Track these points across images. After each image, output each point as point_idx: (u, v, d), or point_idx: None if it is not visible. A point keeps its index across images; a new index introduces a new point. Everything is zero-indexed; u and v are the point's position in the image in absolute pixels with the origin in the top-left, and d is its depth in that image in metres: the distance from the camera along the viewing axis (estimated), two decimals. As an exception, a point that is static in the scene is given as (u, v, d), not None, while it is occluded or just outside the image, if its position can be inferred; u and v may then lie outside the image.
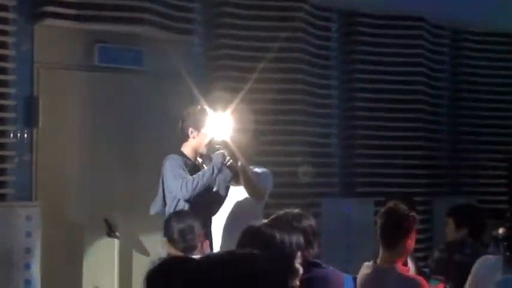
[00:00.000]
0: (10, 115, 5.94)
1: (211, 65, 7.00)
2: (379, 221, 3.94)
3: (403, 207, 4.08)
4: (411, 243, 3.91)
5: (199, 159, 5.14)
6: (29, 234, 5.76)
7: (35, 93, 6.06)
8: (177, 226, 4.27)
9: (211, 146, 5.05)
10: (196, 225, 4.31)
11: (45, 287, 5.78)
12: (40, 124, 6.05)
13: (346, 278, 4.48)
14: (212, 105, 5.21)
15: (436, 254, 4.83)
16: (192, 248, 4.20)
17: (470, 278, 3.82)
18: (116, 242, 6.20)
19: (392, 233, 3.86)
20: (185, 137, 5.06)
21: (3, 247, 5.67)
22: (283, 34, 6.98)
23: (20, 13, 6.00)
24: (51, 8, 5.96)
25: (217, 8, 6.99)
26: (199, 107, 5.13)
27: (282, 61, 7.04)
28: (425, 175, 7.95)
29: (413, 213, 4.02)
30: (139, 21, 6.20)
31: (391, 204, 4.02)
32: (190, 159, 5.04)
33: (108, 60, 6.27)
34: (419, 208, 7.14)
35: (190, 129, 5.03)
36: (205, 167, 5.02)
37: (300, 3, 7.24)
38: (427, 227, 7.76)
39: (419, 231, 6.46)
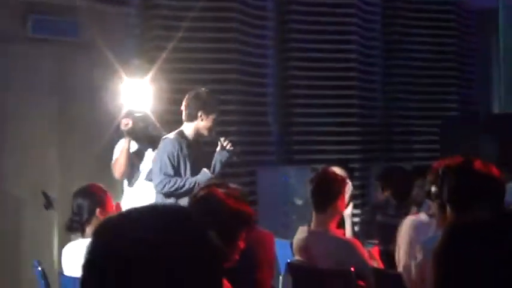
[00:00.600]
0: None
1: (145, 35, 7.05)
2: (310, 185, 4.06)
3: (332, 171, 4.23)
4: (342, 205, 4.05)
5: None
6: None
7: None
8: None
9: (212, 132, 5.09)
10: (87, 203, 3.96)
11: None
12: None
13: (283, 243, 4.65)
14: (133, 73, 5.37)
15: (364, 216, 5.01)
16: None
17: (398, 239, 3.83)
18: (56, 214, 6.24)
19: (323, 196, 3.99)
20: (191, 118, 5.02)
21: None
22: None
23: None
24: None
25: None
26: (206, 90, 5.14)
27: (216, 20, 7.15)
28: (361, 141, 8.17)
29: (342, 176, 4.18)
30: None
31: (321, 168, 4.16)
32: (189, 140, 5.03)
33: (43, 31, 6.24)
34: (356, 174, 7.36)
35: (200, 112, 5.00)
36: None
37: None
38: (363, 192, 7.99)
39: (355, 197, 6.78)
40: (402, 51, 8.79)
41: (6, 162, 6.23)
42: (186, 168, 4.93)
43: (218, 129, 5.23)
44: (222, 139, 5.14)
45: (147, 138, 5.41)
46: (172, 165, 4.90)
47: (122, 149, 5.31)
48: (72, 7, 6.37)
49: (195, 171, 4.92)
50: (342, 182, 4.08)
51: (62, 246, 4.20)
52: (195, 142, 5.05)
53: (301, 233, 4.11)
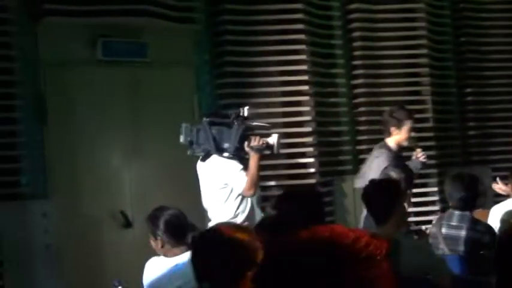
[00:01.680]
0: (18, 115, 6.11)
1: (214, 51, 7.18)
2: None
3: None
4: (403, 210, 4.23)
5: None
6: (46, 231, 5.95)
7: (42, 91, 6.23)
8: None
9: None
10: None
11: (68, 282, 5.97)
12: (49, 122, 6.23)
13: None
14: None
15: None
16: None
17: None
18: (133, 233, 6.39)
19: (379, 210, 4.16)
20: (388, 134, 6.19)
21: (22, 245, 5.86)
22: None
23: (20, 13, 6.17)
24: (51, 6, 6.12)
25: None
26: (394, 107, 6.39)
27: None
28: (437, 147, 8.08)
29: (395, 182, 4.25)
30: (141, 12, 6.36)
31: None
32: (393, 151, 6.09)
33: (112, 54, 6.43)
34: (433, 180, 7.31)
35: (392, 128, 6.15)
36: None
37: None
38: (441, 197, 7.91)
39: (430, 203, 6.75)
40: (475, 52, 8.67)
41: (83, 184, 6.41)
42: None
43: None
44: (418, 150, 6.21)
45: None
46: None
47: (255, 165, 5.30)
48: (139, 28, 6.55)
49: None
50: (395, 189, 4.11)
51: (141, 264, 4.30)
52: (397, 153, 6.13)
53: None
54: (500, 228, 4.32)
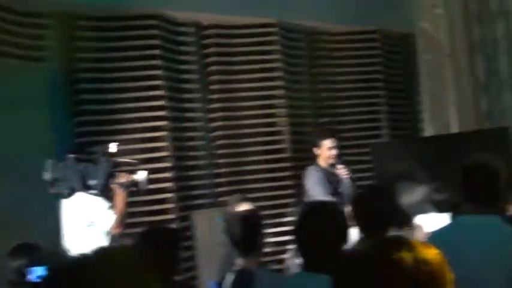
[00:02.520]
0: None
1: (70, 89, 7.26)
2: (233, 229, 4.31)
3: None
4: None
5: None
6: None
7: None
8: None
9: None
10: None
11: None
12: None
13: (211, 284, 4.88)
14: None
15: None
16: None
17: None
18: None
19: (246, 241, 4.27)
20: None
21: None
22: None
23: None
24: None
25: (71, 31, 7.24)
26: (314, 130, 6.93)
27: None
28: (293, 177, 8.43)
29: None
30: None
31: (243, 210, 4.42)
32: (322, 168, 6.70)
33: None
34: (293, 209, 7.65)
35: (314, 148, 6.74)
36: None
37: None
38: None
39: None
40: (329, 83, 9.13)
41: None
42: None
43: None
44: (339, 167, 6.71)
45: None
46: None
47: (123, 202, 5.48)
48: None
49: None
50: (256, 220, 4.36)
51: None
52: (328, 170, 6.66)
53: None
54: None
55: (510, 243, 3.69)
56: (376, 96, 9.37)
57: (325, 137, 6.71)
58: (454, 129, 9.00)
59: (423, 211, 6.24)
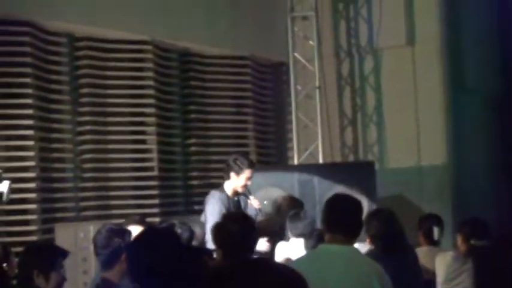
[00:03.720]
0: None
1: None
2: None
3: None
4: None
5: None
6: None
7: None
8: None
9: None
10: None
11: None
12: None
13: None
14: None
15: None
16: None
17: None
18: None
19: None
20: (227, 178, 6.82)
21: None
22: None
23: None
24: None
25: None
26: (241, 155, 7.08)
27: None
28: (160, 195, 8.63)
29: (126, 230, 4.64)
30: None
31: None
32: (226, 194, 6.78)
33: None
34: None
35: (232, 173, 6.78)
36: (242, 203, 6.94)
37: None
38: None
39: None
40: (199, 104, 9.40)
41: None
42: None
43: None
44: (251, 197, 6.93)
45: None
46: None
47: None
48: None
49: None
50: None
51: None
52: (233, 198, 6.83)
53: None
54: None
55: (366, 273, 4.03)
56: (245, 121, 9.73)
57: (248, 166, 6.84)
58: (321, 159, 9.44)
59: (285, 238, 6.59)
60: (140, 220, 5.91)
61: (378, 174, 8.55)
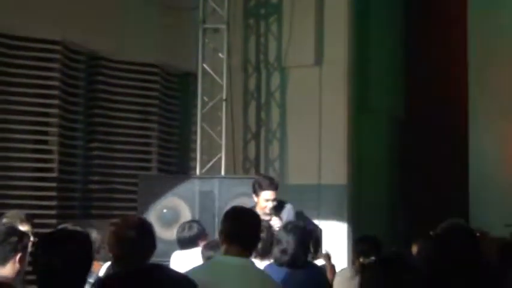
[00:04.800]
0: None
1: None
2: None
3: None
4: (20, 261, 4.42)
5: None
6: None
7: None
8: None
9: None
10: None
11: None
12: None
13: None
14: None
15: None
16: None
17: None
18: None
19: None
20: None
21: None
22: None
23: None
24: None
25: None
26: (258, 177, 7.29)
27: None
28: (59, 197, 8.66)
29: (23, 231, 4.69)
30: None
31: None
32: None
33: None
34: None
35: (253, 195, 7.00)
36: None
37: None
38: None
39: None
40: (105, 109, 9.48)
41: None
42: None
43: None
44: (274, 218, 6.72)
45: None
46: None
47: None
48: None
49: None
50: (20, 237, 4.49)
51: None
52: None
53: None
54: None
55: (260, 286, 4.18)
56: (149, 129, 9.87)
57: (265, 187, 6.90)
58: (223, 172, 9.62)
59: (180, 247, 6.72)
60: (26, 219, 6.01)
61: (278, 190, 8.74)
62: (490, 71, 11.76)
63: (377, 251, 6.11)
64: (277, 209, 6.95)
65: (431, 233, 5.41)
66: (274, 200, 6.93)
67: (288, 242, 5.43)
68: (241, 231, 4.24)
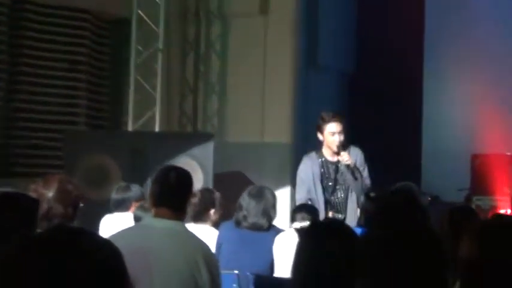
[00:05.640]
0: None
1: None
2: None
3: None
4: None
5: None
6: None
7: None
8: None
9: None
10: None
11: None
12: None
13: None
14: None
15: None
16: None
17: None
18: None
19: None
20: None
21: None
22: None
23: None
24: None
25: None
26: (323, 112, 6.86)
27: None
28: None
29: None
30: None
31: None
32: (322, 158, 6.80)
33: None
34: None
35: (318, 132, 6.76)
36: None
37: None
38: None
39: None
40: (29, 57, 9.29)
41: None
42: None
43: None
44: (342, 153, 6.63)
45: None
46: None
47: None
48: None
49: None
50: None
51: None
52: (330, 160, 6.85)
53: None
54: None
55: (193, 251, 4.16)
56: (78, 80, 9.68)
57: (327, 120, 6.69)
58: (157, 127, 9.48)
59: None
60: None
61: (216, 148, 8.68)
62: (447, 33, 11.77)
63: (312, 215, 6.13)
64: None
65: (371, 194, 5.44)
66: (340, 133, 6.68)
67: (249, 209, 5.63)
68: (169, 192, 4.19)
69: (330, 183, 6.78)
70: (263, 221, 5.74)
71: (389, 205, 4.21)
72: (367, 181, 6.79)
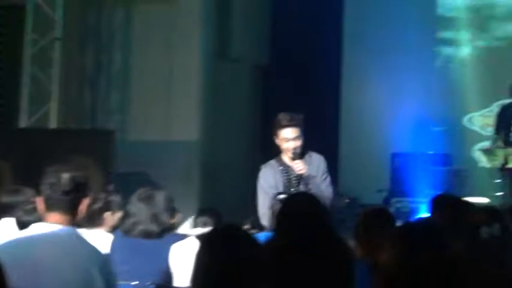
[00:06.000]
0: None
1: None
2: None
3: None
4: None
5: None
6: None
7: None
8: None
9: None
10: None
11: None
12: None
13: None
14: None
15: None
16: None
17: None
18: None
19: None
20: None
21: None
22: None
23: None
24: None
25: None
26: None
27: None
28: None
29: None
30: None
31: None
32: (281, 163, 6.40)
33: None
34: None
35: (274, 137, 6.33)
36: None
37: None
38: None
39: None
40: None
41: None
42: None
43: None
44: (297, 161, 6.26)
45: None
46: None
47: None
48: None
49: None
50: None
51: None
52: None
53: None
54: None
55: (86, 259, 3.97)
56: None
57: (284, 124, 6.28)
58: (53, 123, 9.20)
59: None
60: None
61: (118, 146, 8.56)
62: (367, 24, 11.80)
63: (216, 220, 5.95)
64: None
65: (280, 197, 5.28)
66: (297, 138, 6.31)
67: (139, 213, 5.43)
68: (61, 196, 4.01)
69: (293, 190, 6.53)
70: (153, 227, 5.48)
71: (291, 208, 4.11)
72: (329, 191, 6.46)
